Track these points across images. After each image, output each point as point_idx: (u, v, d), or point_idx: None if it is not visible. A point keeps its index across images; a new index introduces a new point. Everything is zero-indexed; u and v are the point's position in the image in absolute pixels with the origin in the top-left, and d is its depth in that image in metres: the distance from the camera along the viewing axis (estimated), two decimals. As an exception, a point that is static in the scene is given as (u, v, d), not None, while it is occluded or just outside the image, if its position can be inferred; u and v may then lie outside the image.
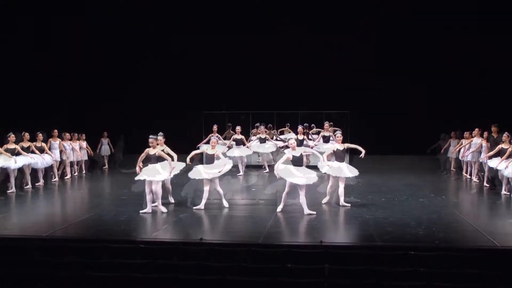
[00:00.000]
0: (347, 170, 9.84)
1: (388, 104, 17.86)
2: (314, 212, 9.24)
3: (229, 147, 14.38)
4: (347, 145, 10.11)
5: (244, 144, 14.46)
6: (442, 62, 17.79)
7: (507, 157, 10.94)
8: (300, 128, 14.30)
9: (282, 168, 9.28)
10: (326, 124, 14.89)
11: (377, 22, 17.97)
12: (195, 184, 10.27)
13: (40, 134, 12.93)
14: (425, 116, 17.35)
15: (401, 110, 17.52)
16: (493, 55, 16.86)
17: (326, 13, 18.20)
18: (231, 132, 15.70)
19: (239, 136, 14.51)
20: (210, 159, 10.01)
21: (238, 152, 14.21)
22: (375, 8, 18.01)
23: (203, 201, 9.80)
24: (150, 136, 9.72)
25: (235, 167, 12.87)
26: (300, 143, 13.30)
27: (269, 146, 15.01)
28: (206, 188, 9.77)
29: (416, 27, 17.72)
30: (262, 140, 15.00)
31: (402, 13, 17.70)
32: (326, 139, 14.44)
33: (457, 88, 17.70)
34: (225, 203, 9.91)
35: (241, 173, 14.30)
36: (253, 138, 15.59)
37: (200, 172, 9.77)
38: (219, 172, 9.75)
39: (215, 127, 14.79)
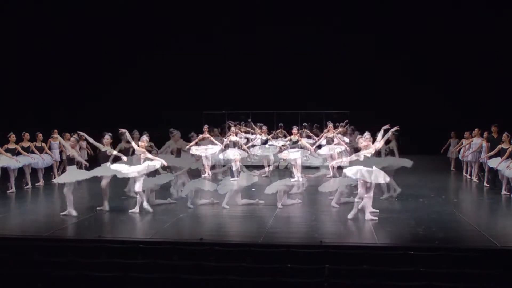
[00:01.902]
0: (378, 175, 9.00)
1: (388, 103, 17.86)
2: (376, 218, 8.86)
3: (224, 148, 13.46)
4: (377, 146, 9.28)
5: (240, 147, 13.51)
6: (442, 62, 17.80)
7: (507, 157, 10.94)
8: (294, 129, 12.99)
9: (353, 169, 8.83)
10: (330, 125, 13.92)
11: (378, 22, 17.99)
12: (196, 184, 10.27)
13: (40, 134, 12.92)
14: (425, 116, 17.36)
15: (402, 110, 17.51)
16: (494, 55, 16.88)
17: (326, 14, 18.22)
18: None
19: (234, 138, 13.41)
20: (104, 157, 9.94)
21: (233, 154, 12.68)
22: (375, 8, 18.03)
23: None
24: (73, 137, 9.92)
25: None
26: (294, 144, 12.84)
27: (270, 148, 14.30)
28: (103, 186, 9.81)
29: (417, 27, 17.73)
30: (264, 141, 14.50)
31: (402, 12, 17.72)
32: (329, 141, 13.55)
33: (457, 88, 17.72)
34: (136, 210, 9.60)
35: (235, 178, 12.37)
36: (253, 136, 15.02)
37: (105, 170, 9.79)
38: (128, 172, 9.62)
39: (205, 128, 13.88)
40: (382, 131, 9.39)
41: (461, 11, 17.26)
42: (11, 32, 16.82)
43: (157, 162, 9.82)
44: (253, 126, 16.32)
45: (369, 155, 8.91)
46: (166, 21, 18.69)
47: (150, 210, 9.60)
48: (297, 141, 12.92)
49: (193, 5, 18.48)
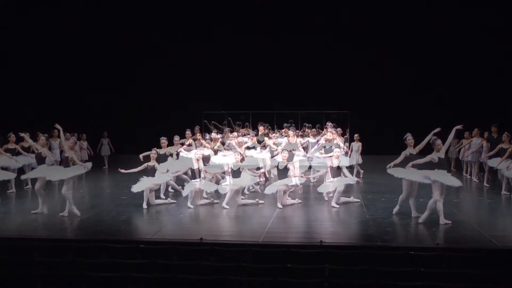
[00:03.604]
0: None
1: (389, 103, 17.88)
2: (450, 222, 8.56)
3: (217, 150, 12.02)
4: (418, 147, 9.12)
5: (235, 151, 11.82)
6: (442, 62, 17.81)
7: (507, 157, 10.94)
8: (291, 132, 11.97)
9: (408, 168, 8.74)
10: (330, 126, 12.60)
11: (378, 22, 17.99)
12: (196, 184, 10.26)
13: (41, 134, 12.89)
14: (425, 116, 17.34)
15: (402, 110, 17.54)
16: (494, 55, 16.88)
17: (326, 15, 18.22)
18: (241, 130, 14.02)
19: (229, 141, 12.00)
20: (40, 159, 10.05)
21: (226, 158, 11.19)
22: (375, 9, 18.04)
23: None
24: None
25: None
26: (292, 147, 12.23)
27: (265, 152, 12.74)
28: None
29: (417, 28, 17.73)
30: (260, 143, 14.06)
31: (402, 12, 17.72)
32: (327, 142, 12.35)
33: (457, 88, 17.72)
34: (65, 213, 9.41)
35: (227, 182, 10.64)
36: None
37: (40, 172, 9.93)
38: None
39: (196, 129, 12.69)
40: (453, 132, 9.13)
41: (461, 11, 17.25)
42: (12, 32, 16.84)
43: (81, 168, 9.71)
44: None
45: (442, 156, 8.83)
46: (166, 21, 18.69)
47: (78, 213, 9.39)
48: (295, 143, 12.51)
49: (193, 7, 18.47)
